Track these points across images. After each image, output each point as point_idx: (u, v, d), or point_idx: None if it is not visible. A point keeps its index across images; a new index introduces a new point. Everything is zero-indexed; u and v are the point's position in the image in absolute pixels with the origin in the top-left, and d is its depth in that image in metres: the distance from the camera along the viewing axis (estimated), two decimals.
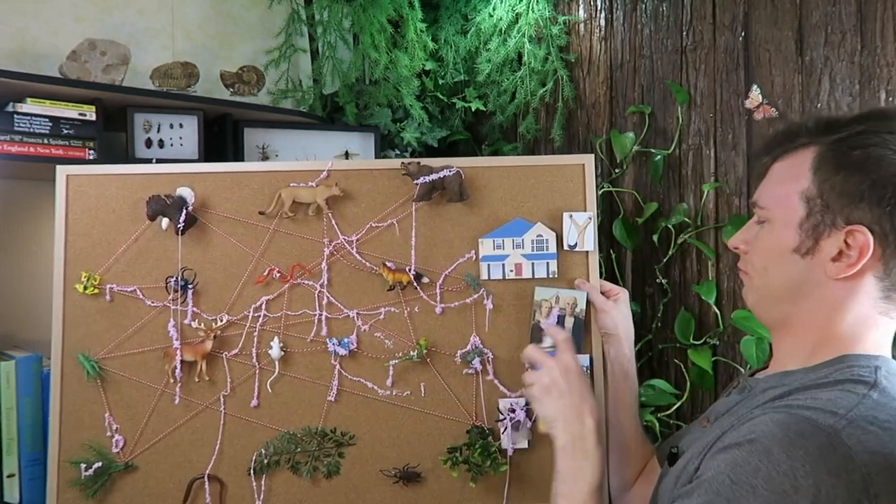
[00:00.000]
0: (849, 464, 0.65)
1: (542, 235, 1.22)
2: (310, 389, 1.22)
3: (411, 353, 1.21)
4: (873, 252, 0.75)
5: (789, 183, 0.82)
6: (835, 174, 0.77)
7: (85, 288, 1.20)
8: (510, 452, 1.19)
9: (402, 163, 1.22)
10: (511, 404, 1.20)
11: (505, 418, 1.19)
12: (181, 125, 1.56)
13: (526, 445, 1.20)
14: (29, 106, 1.38)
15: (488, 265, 1.23)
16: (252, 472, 1.20)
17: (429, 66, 1.82)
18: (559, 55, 1.73)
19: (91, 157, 1.44)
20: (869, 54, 1.31)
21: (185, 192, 1.22)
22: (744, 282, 0.91)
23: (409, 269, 1.22)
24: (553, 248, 1.22)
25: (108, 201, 1.23)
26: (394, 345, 1.23)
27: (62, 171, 1.24)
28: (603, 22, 1.69)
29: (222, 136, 1.65)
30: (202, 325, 1.21)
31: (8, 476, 1.30)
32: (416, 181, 1.21)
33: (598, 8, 1.70)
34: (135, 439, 1.21)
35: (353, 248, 1.23)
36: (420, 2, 1.78)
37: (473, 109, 1.83)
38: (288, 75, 1.82)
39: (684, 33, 1.55)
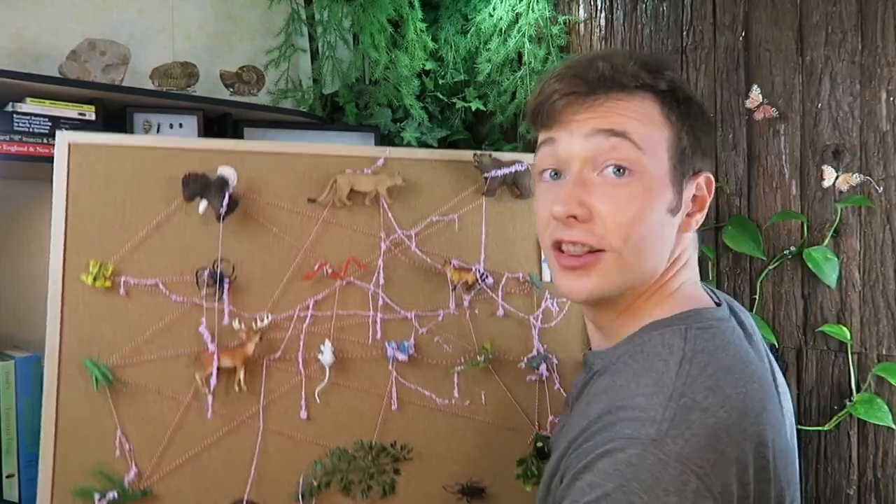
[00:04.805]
0: (682, 474, 0.60)
1: None
2: (362, 400, 1.08)
3: (478, 357, 1.11)
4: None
5: (653, 132, 0.72)
6: (686, 121, 0.74)
7: (95, 279, 1.01)
8: None
9: (475, 154, 1.15)
10: None
11: None
12: (181, 125, 1.56)
13: None
14: (29, 106, 1.38)
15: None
16: (300, 496, 1.05)
17: (429, 66, 1.82)
18: (559, 55, 1.73)
19: None
20: (869, 54, 1.31)
21: (228, 171, 1.05)
22: (584, 266, 0.73)
23: (477, 268, 1.14)
24: None
25: (123, 178, 1.03)
26: (453, 349, 1.12)
27: (63, 138, 1.04)
28: (603, 22, 1.69)
29: (222, 136, 1.65)
30: (243, 325, 1.04)
31: (7, 476, 1.30)
32: (486, 174, 1.13)
33: (598, 8, 1.70)
34: (153, 462, 1.01)
35: (412, 243, 1.12)
36: (420, 2, 1.78)
37: (473, 109, 1.83)
38: (288, 75, 1.82)
39: (684, 33, 1.55)
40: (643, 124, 0.72)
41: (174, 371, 1.03)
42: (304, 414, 1.06)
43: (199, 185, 1.04)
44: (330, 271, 1.09)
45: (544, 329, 1.17)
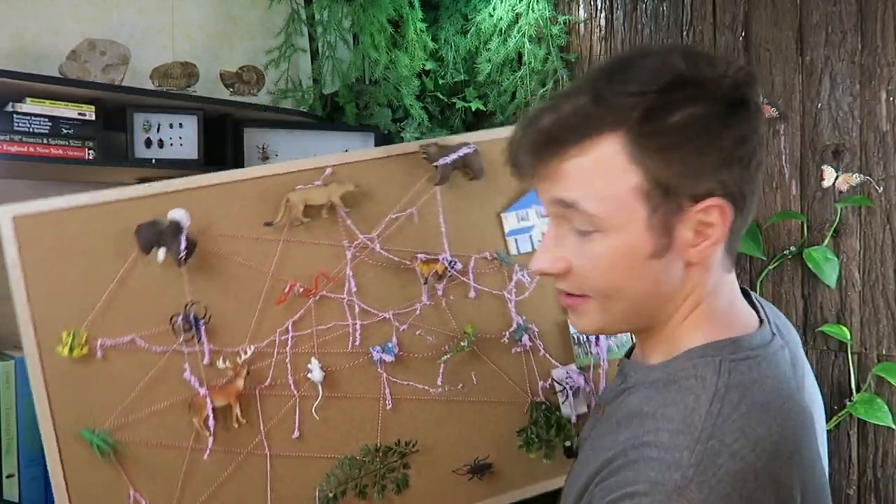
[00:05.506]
0: None
1: None
2: (358, 406, 1.10)
3: (461, 343, 1.13)
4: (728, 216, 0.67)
5: (614, 183, 0.66)
6: (664, 157, 0.65)
7: (71, 350, 0.98)
8: (574, 420, 1.16)
9: (420, 146, 1.15)
10: (566, 372, 1.17)
11: (564, 388, 1.16)
12: (181, 125, 1.56)
13: (586, 409, 1.17)
14: (28, 106, 1.38)
15: (515, 239, 1.18)
16: None
17: (429, 66, 1.82)
18: (559, 55, 1.73)
19: (91, 157, 1.44)
20: (869, 54, 1.31)
21: (179, 214, 1.02)
22: (574, 307, 0.74)
23: (444, 257, 1.14)
24: None
25: (75, 240, 1.00)
26: (436, 339, 1.13)
27: (4, 213, 0.99)
28: (603, 22, 1.69)
29: (222, 136, 1.65)
30: (228, 362, 1.03)
31: (7, 476, 1.29)
32: (435, 164, 1.13)
33: (598, 8, 1.70)
34: None
35: (376, 246, 1.12)
36: (420, 2, 1.78)
37: (473, 109, 1.83)
38: (288, 75, 1.82)
39: (684, 33, 1.55)
40: (599, 181, 0.66)
41: (171, 421, 1.02)
42: (296, 434, 1.07)
43: (153, 234, 1.01)
44: (301, 290, 1.08)
45: (520, 301, 1.18)
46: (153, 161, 1.53)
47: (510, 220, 1.19)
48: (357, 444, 1.09)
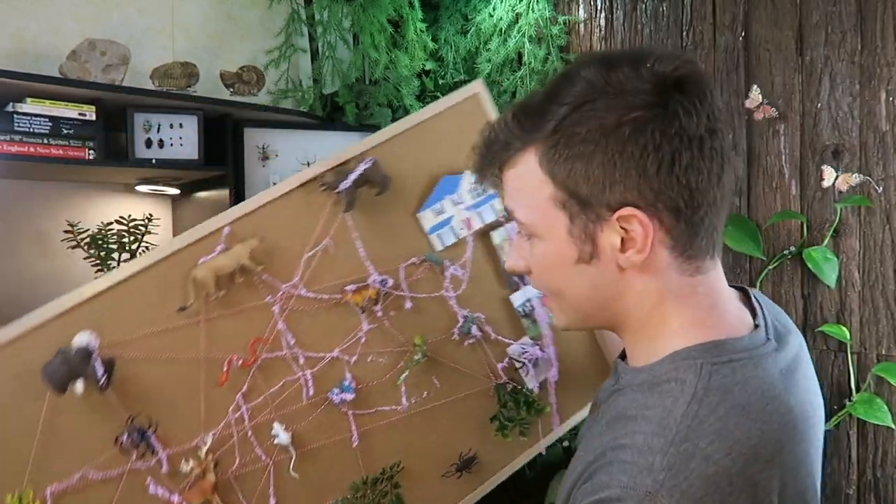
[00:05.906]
0: None
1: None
2: (333, 450, 1.09)
3: (415, 357, 1.13)
4: (653, 225, 0.67)
5: (534, 194, 0.71)
6: (570, 167, 0.67)
7: None
8: (537, 390, 1.17)
9: (317, 178, 1.09)
10: (521, 347, 1.18)
11: (523, 363, 1.18)
12: (181, 125, 1.56)
13: (546, 376, 1.19)
14: (29, 106, 1.38)
15: (438, 235, 1.15)
16: None
17: (429, 66, 1.82)
18: (559, 55, 1.73)
19: (91, 157, 1.45)
20: (869, 54, 1.31)
21: (85, 338, 0.93)
22: (545, 304, 0.82)
23: (373, 280, 1.12)
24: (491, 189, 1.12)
25: None
26: (388, 359, 1.12)
27: None
28: (603, 22, 1.69)
29: (222, 136, 1.65)
30: (191, 461, 0.99)
31: None
32: (338, 191, 1.08)
33: (598, 8, 1.70)
34: None
35: (301, 290, 1.08)
36: (420, 2, 1.78)
37: None
38: (288, 75, 1.82)
39: (684, 33, 1.55)
40: (525, 191, 0.72)
41: None
42: (273, 501, 1.05)
43: (64, 370, 0.91)
44: (240, 362, 1.04)
45: (460, 295, 1.16)
46: (153, 161, 1.54)
47: (428, 218, 1.15)
48: (345, 484, 1.09)
